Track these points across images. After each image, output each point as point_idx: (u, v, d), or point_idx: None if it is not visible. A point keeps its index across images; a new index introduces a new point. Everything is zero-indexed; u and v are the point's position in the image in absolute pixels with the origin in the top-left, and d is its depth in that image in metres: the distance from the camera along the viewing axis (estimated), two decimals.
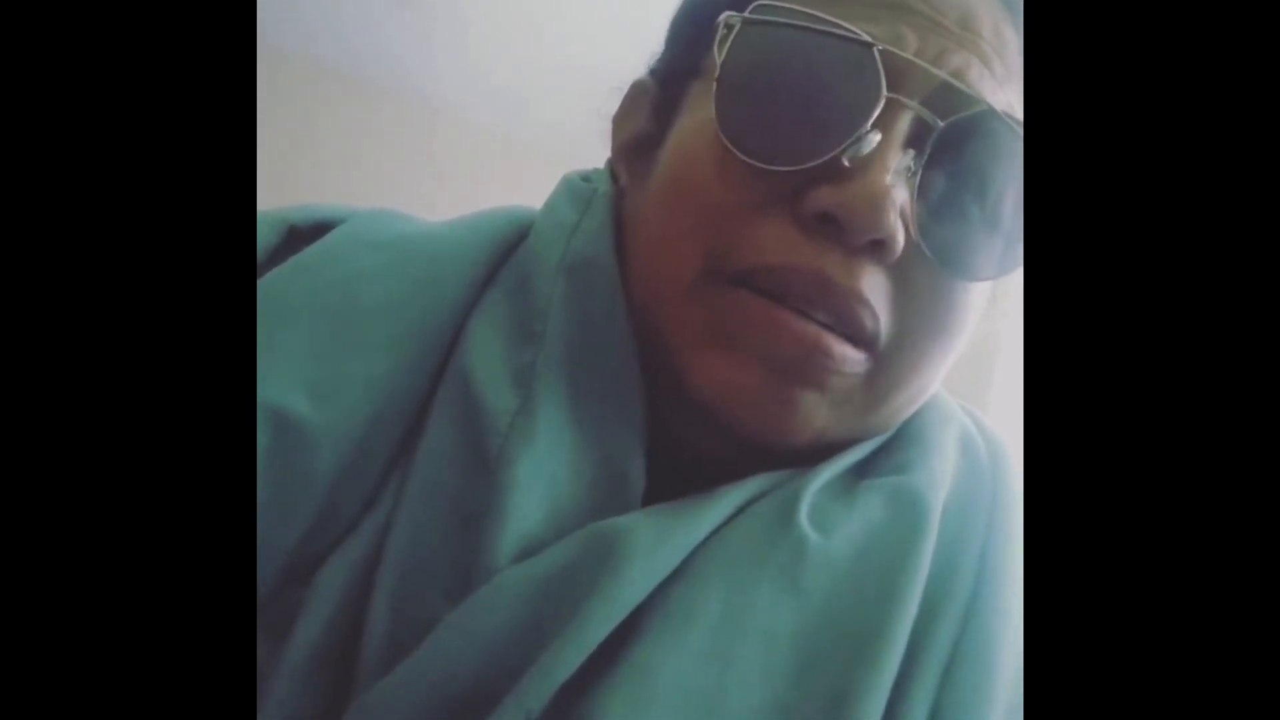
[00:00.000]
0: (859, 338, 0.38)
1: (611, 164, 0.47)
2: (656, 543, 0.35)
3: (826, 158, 0.37)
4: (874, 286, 0.38)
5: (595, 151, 0.49)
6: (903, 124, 0.37)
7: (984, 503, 0.43)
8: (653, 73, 0.46)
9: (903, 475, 0.41)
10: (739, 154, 0.38)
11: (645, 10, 0.50)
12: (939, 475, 0.41)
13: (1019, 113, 0.40)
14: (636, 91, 0.47)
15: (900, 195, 0.37)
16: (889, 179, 0.36)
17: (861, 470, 0.42)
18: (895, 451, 0.43)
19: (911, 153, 0.37)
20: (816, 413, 0.39)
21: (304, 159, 2.12)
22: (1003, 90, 0.39)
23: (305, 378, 0.37)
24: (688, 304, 0.39)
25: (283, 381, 0.36)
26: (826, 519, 0.38)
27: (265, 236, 0.43)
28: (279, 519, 0.35)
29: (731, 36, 0.39)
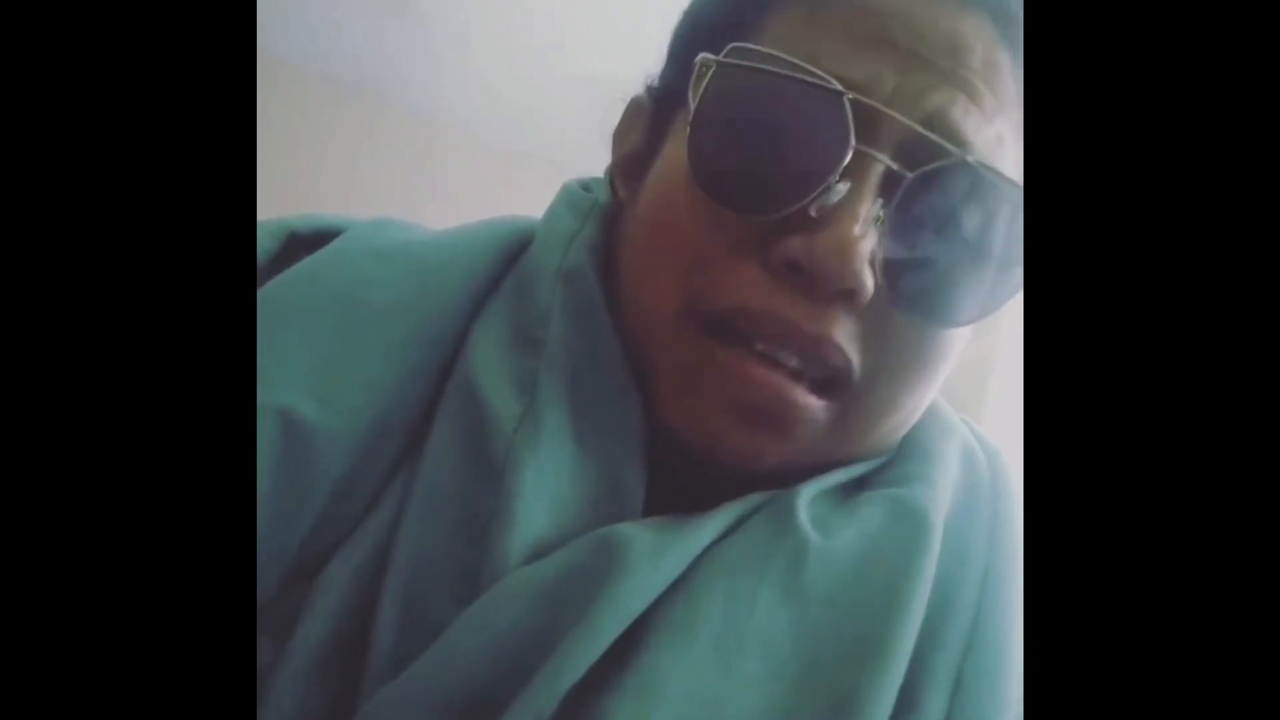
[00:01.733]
0: (828, 380, 0.39)
1: (611, 177, 0.47)
2: (661, 549, 0.36)
3: (794, 209, 0.37)
4: (844, 332, 0.38)
5: (598, 164, 0.49)
6: (873, 173, 0.37)
7: (986, 516, 0.43)
8: (649, 90, 0.46)
9: (904, 488, 0.41)
10: (710, 200, 0.38)
11: (649, 21, 0.50)
12: (940, 488, 0.42)
13: (1011, 142, 0.40)
14: (633, 109, 0.47)
15: (869, 243, 0.37)
16: (858, 229, 0.36)
17: (862, 483, 0.42)
18: (896, 464, 0.43)
19: (881, 201, 0.37)
20: (789, 453, 0.39)
21: (304, 171, 2.12)
22: (992, 123, 0.39)
23: (310, 381, 0.37)
24: (667, 346, 0.39)
25: (287, 384, 0.37)
26: (827, 526, 0.39)
27: (267, 243, 0.43)
28: (282, 520, 0.36)
29: (707, 78, 0.39)
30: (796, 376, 0.38)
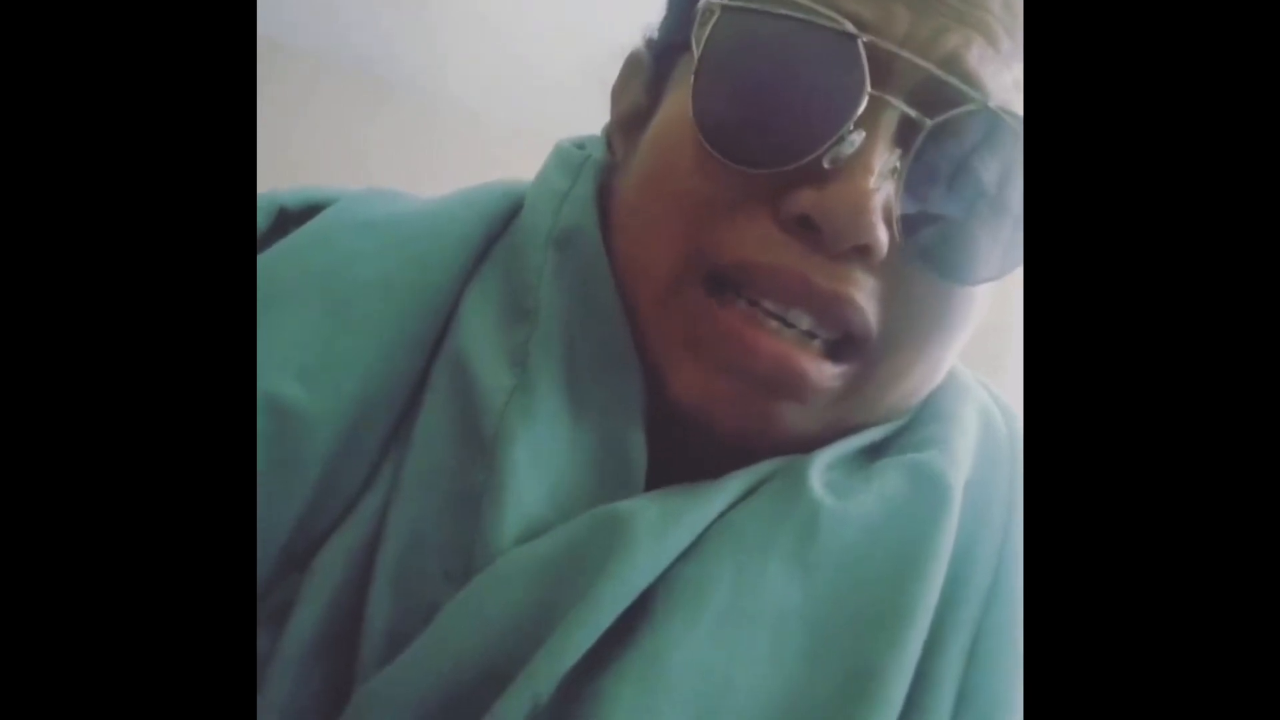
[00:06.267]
0: (845, 341, 0.37)
1: (608, 134, 0.45)
2: (665, 523, 0.35)
3: (806, 160, 0.35)
4: (861, 287, 0.36)
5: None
6: (889, 121, 0.35)
7: (1004, 481, 0.42)
8: (648, 44, 0.45)
9: (922, 452, 0.40)
10: (716, 154, 0.36)
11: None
12: (960, 453, 0.40)
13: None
14: (632, 63, 0.45)
15: (885, 196, 0.35)
16: (873, 181, 0.34)
17: (879, 449, 0.41)
18: (914, 429, 0.42)
19: (899, 151, 0.35)
20: (798, 420, 0.38)
21: (304, 153, 2.11)
22: (1010, 68, 0.37)
23: (298, 362, 0.37)
24: (667, 308, 0.38)
25: (275, 366, 0.36)
26: (843, 493, 0.37)
27: (256, 219, 0.42)
28: (274, 506, 0.35)
29: (711, 23, 0.37)
30: (807, 339, 0.37)
